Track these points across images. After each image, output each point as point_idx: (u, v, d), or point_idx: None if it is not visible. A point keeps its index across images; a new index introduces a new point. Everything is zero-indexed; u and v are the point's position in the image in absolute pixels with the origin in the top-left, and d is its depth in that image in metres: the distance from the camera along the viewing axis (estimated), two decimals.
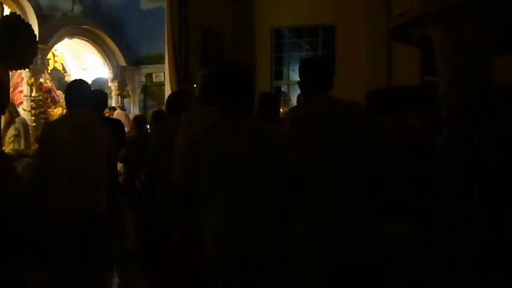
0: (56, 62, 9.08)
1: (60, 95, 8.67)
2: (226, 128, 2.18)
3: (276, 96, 4.95)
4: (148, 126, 6.79)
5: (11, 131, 6.62)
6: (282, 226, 2.17)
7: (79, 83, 3.44)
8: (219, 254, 2.08)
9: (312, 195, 2.40)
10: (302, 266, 2.45)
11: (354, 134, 2.58)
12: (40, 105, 8.05)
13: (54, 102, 8.57)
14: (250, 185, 2.10)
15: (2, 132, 4.78)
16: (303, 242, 2.47)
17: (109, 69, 10.12)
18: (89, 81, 8.91)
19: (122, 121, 6.23)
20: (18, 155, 5.81)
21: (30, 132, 7.36)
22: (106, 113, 7.30)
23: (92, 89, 4.57)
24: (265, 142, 2.17)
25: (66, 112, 3.52)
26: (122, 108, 10.25)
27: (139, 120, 6.56)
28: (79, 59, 10.30)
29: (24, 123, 6.98)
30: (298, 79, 2.78)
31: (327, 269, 2.47)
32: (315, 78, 2.70)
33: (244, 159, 2.11)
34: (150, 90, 10.63)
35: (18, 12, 7.19)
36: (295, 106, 2.80)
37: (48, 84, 8.52)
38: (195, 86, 4.98)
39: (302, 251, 2.46)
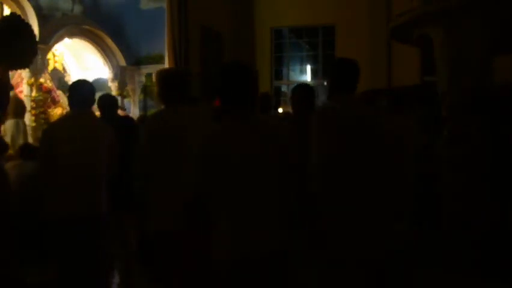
0: (56, 62, 9.06)
1: (60, 95, 8.65)
2: (235, 128, 2.17)
3: (268, 96, 4.99)
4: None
5: None
6: (289, 226, 2.17)
7: (81, 83, 3.44)
8: (228, 253, 2.07)
9: (331, 195, 2.43)
10: (317, 265, 2.48)
11: (376, 134, 2.65)
12: (40, 105, 8.04)
13: (54, 102, 8.55)
14: (259, 185, 2.10)
15: None
16: (320, 242, 2.50)
17: (109, 69, 10.10)
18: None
19: None
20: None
21: (30, 132, 7.32)
22: None
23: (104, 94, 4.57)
24: (274, 142, 2.17)
25: (68, 112, 3.52)
26: (123, 108, 10.23)
27: (143, 121, 6.57)
28: (79, 59, 10.29)
29: (15, 125, 6.70)
30: (332, 77, 2.83)
31: (343, 269, 2.50)
32: (351, 78, 2.76)
33: (254, 159, 2.10)
34: (150, 90, 10.60)
35: (18, 12, 7.18)
36: (331, 105, 2.84)
37: (49, 84, 8.50)
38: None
39: (318, 250, 2.48)
